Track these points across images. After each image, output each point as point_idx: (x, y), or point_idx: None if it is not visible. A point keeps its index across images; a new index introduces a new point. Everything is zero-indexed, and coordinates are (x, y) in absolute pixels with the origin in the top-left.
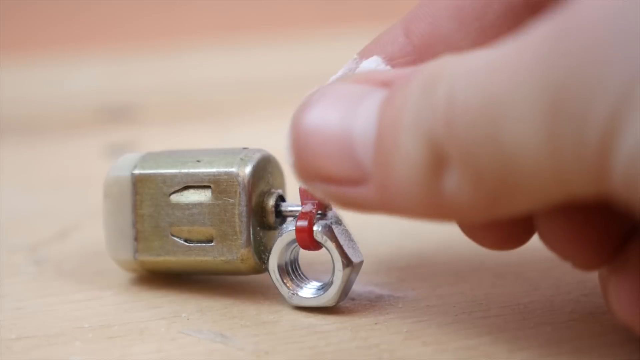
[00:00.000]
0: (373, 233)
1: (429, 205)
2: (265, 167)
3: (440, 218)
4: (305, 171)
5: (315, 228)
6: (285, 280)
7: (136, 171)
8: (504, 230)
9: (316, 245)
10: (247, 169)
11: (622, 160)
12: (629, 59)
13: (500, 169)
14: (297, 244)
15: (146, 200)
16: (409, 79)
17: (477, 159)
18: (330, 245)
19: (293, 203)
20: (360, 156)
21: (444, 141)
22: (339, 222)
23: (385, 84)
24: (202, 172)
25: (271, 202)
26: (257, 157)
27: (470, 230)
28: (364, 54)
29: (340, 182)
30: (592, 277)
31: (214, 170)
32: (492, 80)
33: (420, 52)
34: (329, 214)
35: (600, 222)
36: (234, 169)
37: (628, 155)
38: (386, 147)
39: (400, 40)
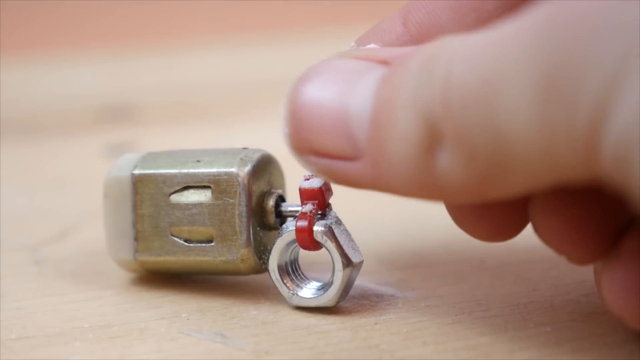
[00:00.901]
0: (373, 233)
1: (421, 183)
2: (265, 167)
3: (431, 197)
4: (299, 144)
5: (315, 228)
6: (285, 280)
7: (136, 171)
8: (495, 220)
9: (316, 246)
10: (247, 169)
11: (610, 142)
12: (618, 45)
13: (493, 150)
14: (297, 244)
15: (146, 200)
16: (408, 58)
17: (471, 138)
18: (330, 245)
19: (293, 203)
20: (355, 132)
21: (439, 119)
22: (339, 222)
23: (385, 61)
24: (202, 172)
25: (271, 202)
26: (257, 157)
27: (462, 220)
28: (362, 42)
29: (333, 156)
30: (592, 277)
31: (214, 170)
32: (489, 61)
33: (418, 41)
34: (329, 214)
35: (595, 216)
36: (234, 169)
37: (616, 138)
38: (381, 123)
39: (398, 29)
